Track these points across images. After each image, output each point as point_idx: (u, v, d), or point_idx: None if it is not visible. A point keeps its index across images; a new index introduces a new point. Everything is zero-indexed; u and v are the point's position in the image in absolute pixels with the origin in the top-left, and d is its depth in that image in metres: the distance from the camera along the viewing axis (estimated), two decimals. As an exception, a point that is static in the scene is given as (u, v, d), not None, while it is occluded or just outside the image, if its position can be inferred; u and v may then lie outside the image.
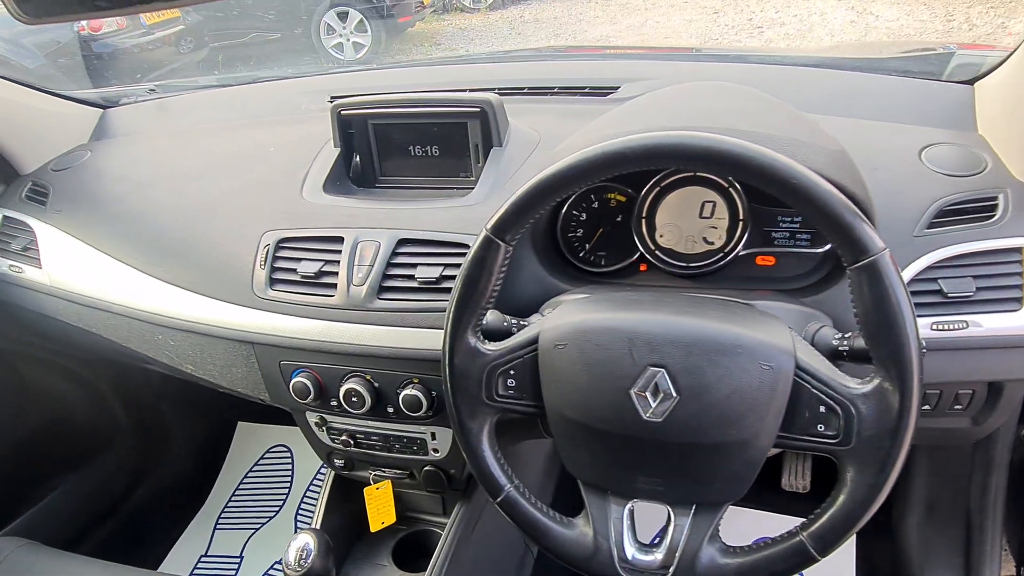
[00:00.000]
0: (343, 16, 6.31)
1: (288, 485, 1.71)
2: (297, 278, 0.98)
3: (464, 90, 1.04)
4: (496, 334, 0.77)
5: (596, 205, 0.97)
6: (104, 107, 1.46)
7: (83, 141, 1.41)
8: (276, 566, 1.55)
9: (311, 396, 0.99)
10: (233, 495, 1.72)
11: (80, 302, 1.18)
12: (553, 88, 1.16)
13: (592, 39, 6.01)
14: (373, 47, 6.29)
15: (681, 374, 0.65)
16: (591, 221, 0.97)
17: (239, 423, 1.82)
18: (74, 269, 1.18)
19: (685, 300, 0.72)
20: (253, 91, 1.42)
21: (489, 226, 0.71)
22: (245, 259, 1.02)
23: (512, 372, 0.73)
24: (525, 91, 1.16)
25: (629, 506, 0.72)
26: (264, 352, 1.03)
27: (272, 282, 1.00)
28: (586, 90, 1.14)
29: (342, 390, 0.97)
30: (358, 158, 1.10)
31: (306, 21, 6.42)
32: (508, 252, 0.72)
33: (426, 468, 1.06)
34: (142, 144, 1.34)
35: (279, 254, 1.01)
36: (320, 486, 1.68)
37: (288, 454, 1.77)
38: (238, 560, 1.57)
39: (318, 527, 1.12)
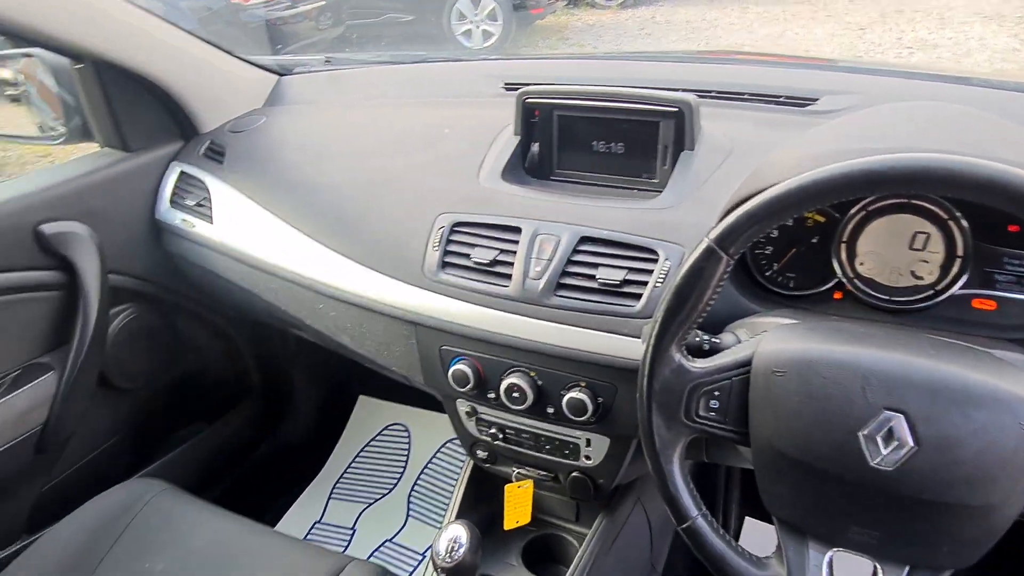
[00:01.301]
0: (476, 2, 6.38)
1: (403, 465, 1.72)
2: (470, 264, 0.97)
3: (657, 88, 1.00)
4: (689, 349, 0.73)
5: (791, 223, 0.91)
6: (280, 74, 1.49)
7: (257, 106, 1.45)
8: (387, 544, 1.56)
9: (470, 385, 0.98)
10: (349, 467, 1.74)
11: (246, 262, 1.21)
12: (744, 94, 1.10)
13: (726, 46, 5.82)
14: (502, 37, 6.33)
15: (922, 422, 0.59)
16: (784, 240, 0.91)
17: (360, 396, 1.85)
18: (244, 229, 1.21)
19: (924, 340, 0.65)
20: (426, 71, 1.42)
21: (713, 236, 0.66)
22: (418, 239, 1.01)
23: (717, 393, 0.68)
24: (714, 95, 1.10)
25: (830, 555, 0.66)
26: (426, 334, 1.02)
27: (444, 265, 0.99)
28: (781, 99, 1.08)
29: (504, 384, 0.95)
30: (536, 148, 1.07)
31: (438, 6, 6.52)
32: (729, 266, 0.67)
33: (574, 474, 1.02)
34: (317, 115, 1.37)
35: (453, 238, 0.99)
36: (435, 472, 1.69)
37: (406, 435, 1.78)
38: (350, 532, 1.60)
39: (452, 518, 1.11)
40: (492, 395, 0.98)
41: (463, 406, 1.06)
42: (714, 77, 1.16)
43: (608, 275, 0.88)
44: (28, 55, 1.30)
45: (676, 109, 0.95)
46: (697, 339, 0.75)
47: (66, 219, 1.21)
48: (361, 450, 1.77)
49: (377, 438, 1.79)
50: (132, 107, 1.30)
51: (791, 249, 0.91)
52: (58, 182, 1.22)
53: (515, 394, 0.95)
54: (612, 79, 1.18)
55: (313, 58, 1.54)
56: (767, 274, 0.92)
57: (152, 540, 1.08)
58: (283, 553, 1.05)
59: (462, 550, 0.85)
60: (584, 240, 0.92)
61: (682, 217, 0.90)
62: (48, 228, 1.19)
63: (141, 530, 1.09)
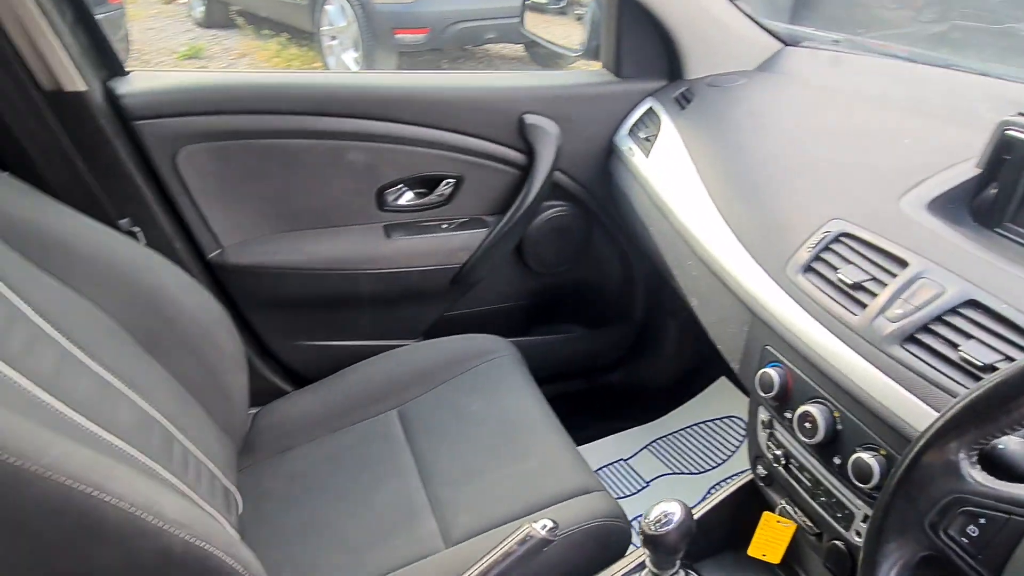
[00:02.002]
0: None
1: (724, 458, 1.68)
2: (832, 279, 0.88)
3: None
4: (994, 461, 0.57)
5: None
6: (785, 43, 1.49)
7: (748, 68, 1.47)
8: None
9: (771, 393, 0.92)
10: (678, 432, 1.77)
11: (652, 198, 1.30)
12: None
13: None
14: None
15: None
16: None
17: (721, 377, 1.83)
18: (667, 171, 1.29)
19: None
20: (932, 75, 1.25)
21: None
22: (798, 234, 0.96)
23: (983, 521, 0.54)
24: None
25: None
26: (757, 327, 0.98)
27: (807, 269, 0.92)
28: None
29: (802, 408, 0.87)
30: (994, 190, 0.89)
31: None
32: None
33: (838, 542, 0.89)
34: (792, 89, 1.34)
35: (832, 246, 0.92)
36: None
37: (742, 434, 1.72)
38: (643, 486, 1.65)
39: (698, 513, 1.08)
40: (788, 414, 0.91)
41: (763, 414, 1.00)
42: None
43: (976, 352, 0.72)
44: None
45: None
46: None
47: (544, 115, 1.45)
48: (696, 424, 1.78)
49: (716, 421, 1.77)
50: (637, 40, 1.46)
51: None
52: (551, 85, 1.46)
53: (807, 424, 0.86)
54: None
55: (825, 35, 1.48)
56: None
57: (479, 385, 1.30)
58: (564, 447, 1.17)
59: (668, 527, 0.84)
60: (970, 304, 0.76)
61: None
62: (528, 118, 1.44)
63: (479, 372, 1.33)
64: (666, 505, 0.86)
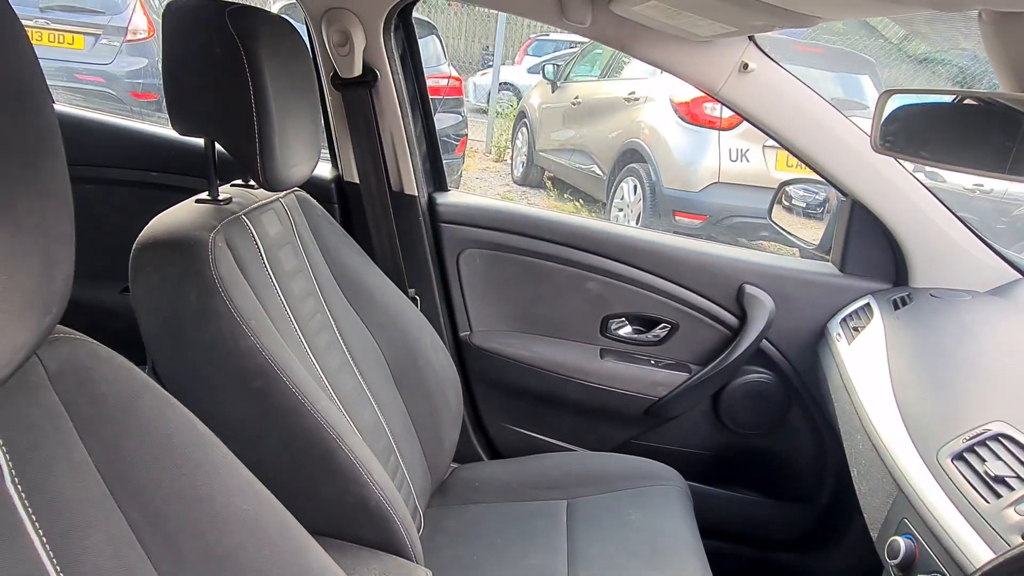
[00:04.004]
0: None
1: None
2: (979, 469, 0.94)
3: None
4: None
5: None
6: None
7: (978, 289, 1.52)
8: None
9: (896, 560, 0.96)
10: None
11: (848, 389, 1.39)
12: None
13: None
14: None
15: None
16: None
17: None
18: (860, 358, 1.38)
19: None
20: None
21: None
22: (960, 427, 1.02)
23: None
24: None
25: None
26: (900, 500, 1.03)
27: (958, 457, 0.98)
28: None
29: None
30: None
31: None
32: None
33: None
34: (1016, 315, 1.40)
35: (988, 442, 0.97)
36: None
37: None
38: None
39: None
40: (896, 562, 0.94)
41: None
42: None
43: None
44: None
45: None
46: None
47: (763, 288, 1.63)
48: None
49: None
50: (864, 242, 1.60)
51: None
52: (775, 264, 1.65)
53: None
54: None
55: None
56: None
57: (644, 502, 1.45)
58: None
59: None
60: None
61: None
62: (748, 288, 1.64)
63: (647, 492, 1.47)
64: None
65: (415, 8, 1.64)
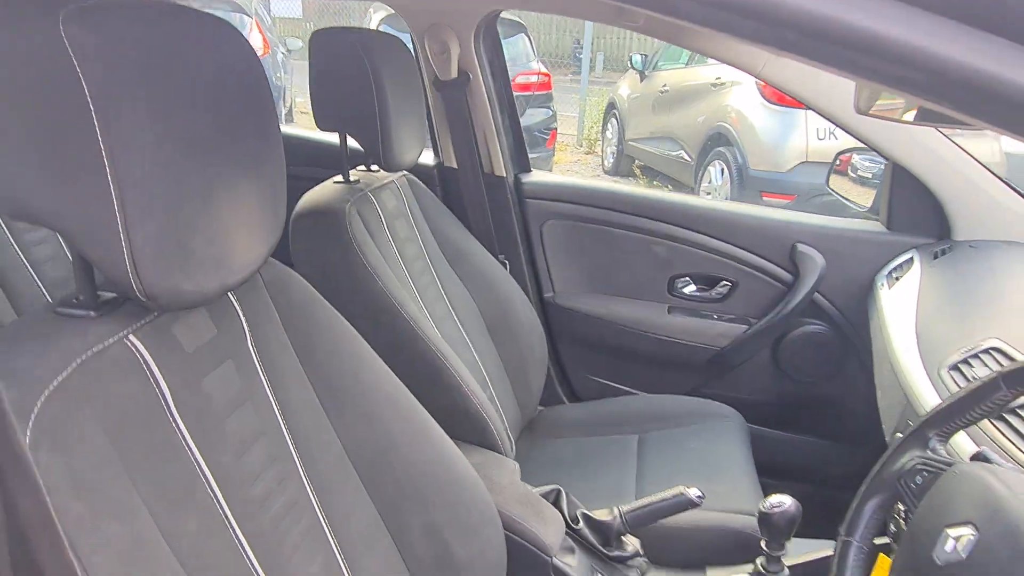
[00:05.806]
0: None
1: None
2: (969, 375, 1.12)
3: None
4: None
5: None
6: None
7: (1020, 241, 1.65)
8: None
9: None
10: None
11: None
12: None
13: None
14: None
15: None
16: None
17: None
18: (896, 300, 1.56)
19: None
20: None
21: None
22: (962, 344, 1.20)
23: (926, 474, 0.82)
24: None
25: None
26: (908, 409, 1.22)
27: (953, 368, 1.16)
28: None
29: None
30: None
31: None
32: None
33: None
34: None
35: (981, 355, 1.15)
36: None
37: None
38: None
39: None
40: None
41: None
42: None
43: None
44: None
45: None
46: None
47: (814, 247, 1.82)
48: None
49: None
50: (907, 201, 1.76)
51: None
52: (825, 224, 1.83)
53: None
54: None
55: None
56: None
57: (705, 434, 1.68)
58: (751, 489, 1.49)
59: (780, 510, 1.14)
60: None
61: None
62: (800, 247, 1.83)
63: (709, 427, 1.70)
64: (780, 497, 1.16)
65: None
